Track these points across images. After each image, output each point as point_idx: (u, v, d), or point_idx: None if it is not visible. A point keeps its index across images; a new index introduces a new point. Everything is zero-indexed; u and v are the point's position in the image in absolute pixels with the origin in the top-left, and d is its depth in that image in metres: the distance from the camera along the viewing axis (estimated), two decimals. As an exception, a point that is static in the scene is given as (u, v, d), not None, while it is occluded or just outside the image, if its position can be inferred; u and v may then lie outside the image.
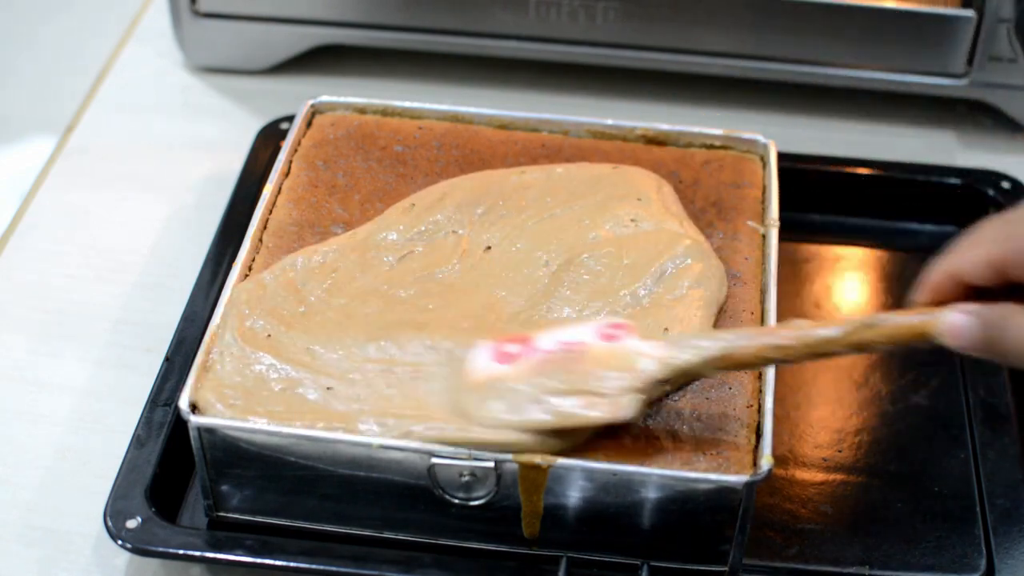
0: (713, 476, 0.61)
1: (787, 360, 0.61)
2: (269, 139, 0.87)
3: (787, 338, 0.60)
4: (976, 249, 0.58)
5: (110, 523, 0.65)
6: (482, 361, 0.64)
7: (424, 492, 0.63)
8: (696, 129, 0.80)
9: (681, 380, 0.62)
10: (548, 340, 0.64)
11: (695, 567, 0.64)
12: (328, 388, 0.64)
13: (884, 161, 0.88)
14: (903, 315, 0.59)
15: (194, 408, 0.63)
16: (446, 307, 0.68)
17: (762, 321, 0.68)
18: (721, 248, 0.72)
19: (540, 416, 0.61)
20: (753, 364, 0.62)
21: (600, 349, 0.62)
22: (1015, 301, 0.56)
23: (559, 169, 0.76)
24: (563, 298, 0.69)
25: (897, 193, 0.87)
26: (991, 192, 0.86)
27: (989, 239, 0.58)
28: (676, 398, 0.64)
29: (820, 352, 0.60)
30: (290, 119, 0.86)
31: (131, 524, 0.65)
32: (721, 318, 0.68)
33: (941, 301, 0.59)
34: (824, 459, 0.72)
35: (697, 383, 0.64)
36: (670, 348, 0.61)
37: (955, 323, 0.58)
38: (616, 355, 0.62)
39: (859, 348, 0.60)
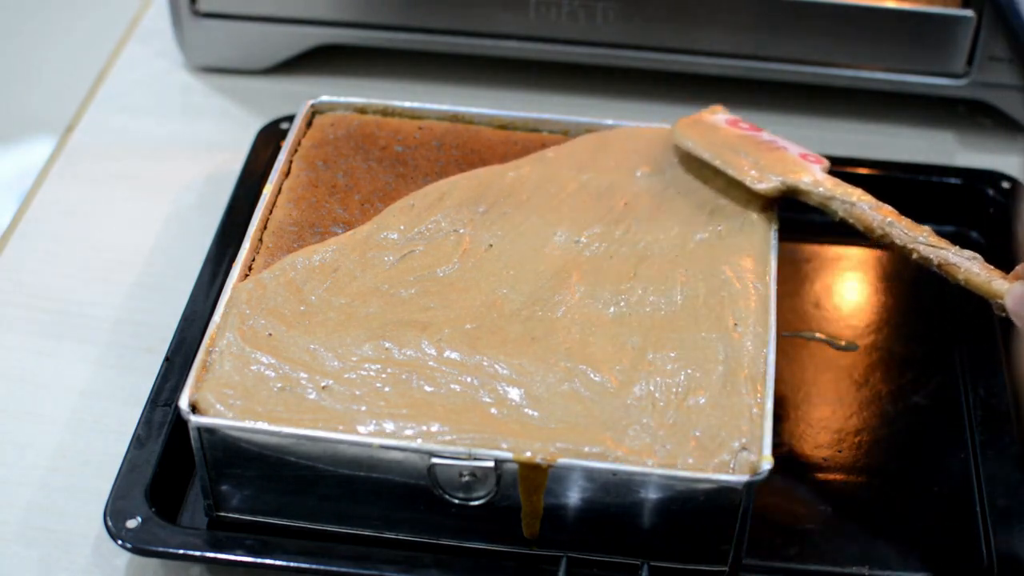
0: (713, 476, 0.61)
1: (892, 245, 0.70)
2: (269, 139, 0.87)
3: (900, 230, 0.70)
4: None
5: (110, 523, 0.65)
6: (718, 117, 0.79)
7: (424, 492, 0.63)
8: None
9: (817, 203, 0.73)
10: (767, 134, 0.78)
11: (695, 567, 0.64)
12: (329, 388, 0.64)
13: (884, 161, 0.88)
14: (996, 272, 0.67)
15: (194, 408, 0.63)
16: (447, 306, 0.68)
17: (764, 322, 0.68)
18: (721, 248, 0.72)
19: (708, 155, 0.75)
20: (871, 231, 0.71)
21: (790, 155, 0.76)
22: None
23: (550, 154, 0.77)
24: (570, 291, 0.69)
25: (897, 193, 0.87)
26: (991, 192, 0.86)
27: None
28: (676, 398, 0.64)
29: (918, 255, 0.69)
30: (290, 119, 0.86)
31: (131, 524, 0.65)
32: (724, 320, 0.68)
33: None
34: (824, 459, 0.72)
35: (697, 384, 0.65)
36: (831, 183, 0.73)
37: (1018, 292, 0.64)
38: (796, 163, 0.75)
39: (943, 272, 0.69)
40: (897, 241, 0.70)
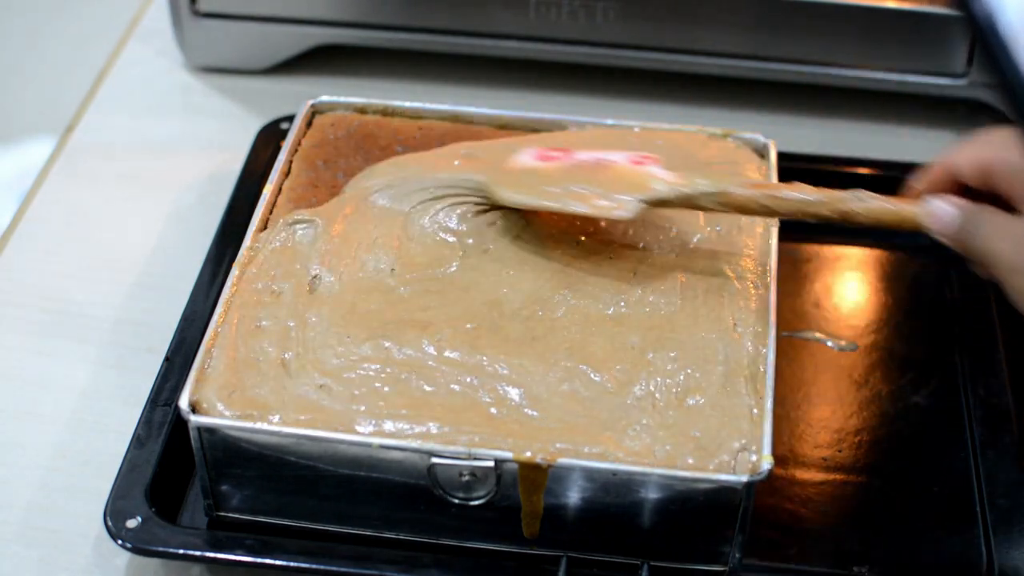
0: (713, 476, 0.61)
1: (778, 214, 0.68)
2: (269, 139, 0.87)
3: (781, 196, 0.67)
4: (972, 150, 0.64)
5: (110, 523, 0.65)
6: (525, 156, 0.72)
7: (424, 492, 0.63)
8: (696, 129, 0.80)
9: (683, 205, 0.69)
10: (586, 154, 0.72)
11: (695, 567, 0.64)
12: (328, 387, 0.64)
13: (884, 161, 0.88)
14: (894, 199, 0.66)
15: (194, 408, 0.63)
16: (447, 305, 0.68)
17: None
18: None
19: (550, 202, 0.69)
20: (749, 209, 0.68)
21: (625, 167, 0.70)
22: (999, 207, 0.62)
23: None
24: (570, 291, 0.69)
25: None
26: (991, 192, 0.86)
27: (986, 142, 0.63)
28: (676, 397, 0.64)
29: (809, 213, 0.67)
30: (290, 119, 0.86)
31: (131, 524, 0.65)
32: (724, 320, 0.68)
33: (935, 192, 0.65)
34: (824, 459, 0.72)
35: (697, 384, 0.65)
36: (682, 179, 0.69)
37: (938, 210, 0.64)
38: (637, 174, 0.70)
39: (846, 219, 0.66)
40: (784, 209, 0.67)
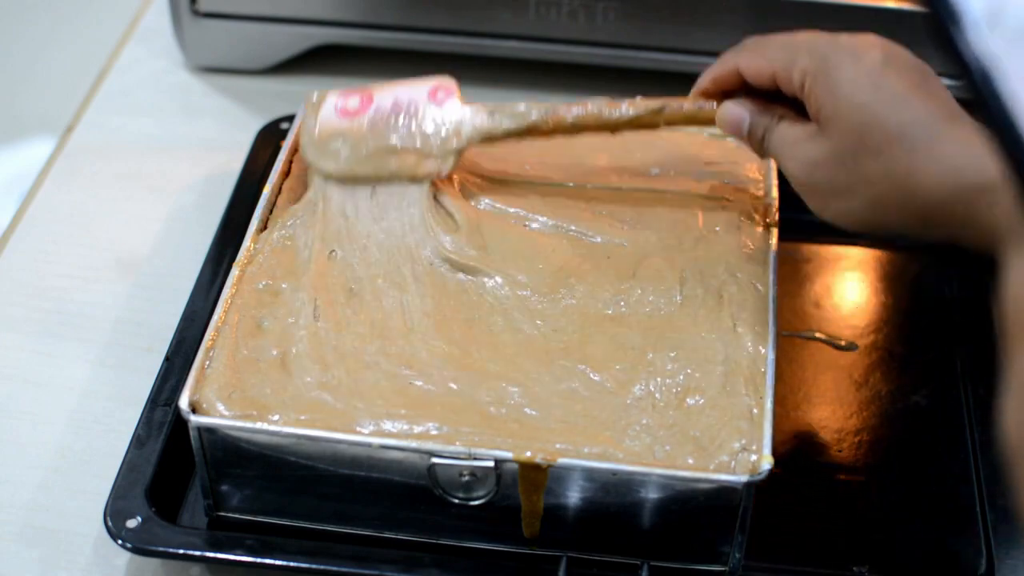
0: (713, 476, 0.61)
1: (583, 132, 0.71)
2: (269, 139, 0.87)
3: (583, 114, 0.71)
4: (760, 59, 0.67)
5: (110, 523, 0.65)
6: (328, 112, 0.74)
7: (424, 492, 0.63)
8: (696, 129, 0.79)
9: (493, 141, 0.72)
10: (387, 97, 0.74)
11: (695, 567, 0.64)
12: (328, 387, 0.64)
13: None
14: (689, 102, 0.71)
15: (194, 408, 0.63)
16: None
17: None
18: (721, 248, 0.72)
19: (370, 170, 0.71)
20: (557, 133, 0.72)
21: (431, 111, 0.73)
22: (780, 104, 0.66)
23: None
24: (571, 291, 0.69)
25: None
26: (991, 192, 0.86)
27: (773, 55, 0.67)
28: (677, 396, 0.64)
29: (612, 126, 0.71)
30: (290, 119, 0.86)
31: (131, 524, 0.65)
32: (724, 320, 0.68)
33: (720, 90, 0.69)
34: (824, 459, 0.72)
35: (697, 384, 0.65)
36: (488, 117, 0.72)
37: (732, 114, 0.68)
38: (442, 116, 0.73)
39: (648, 126, 0.71)
40: (590, 127, 0.71)
